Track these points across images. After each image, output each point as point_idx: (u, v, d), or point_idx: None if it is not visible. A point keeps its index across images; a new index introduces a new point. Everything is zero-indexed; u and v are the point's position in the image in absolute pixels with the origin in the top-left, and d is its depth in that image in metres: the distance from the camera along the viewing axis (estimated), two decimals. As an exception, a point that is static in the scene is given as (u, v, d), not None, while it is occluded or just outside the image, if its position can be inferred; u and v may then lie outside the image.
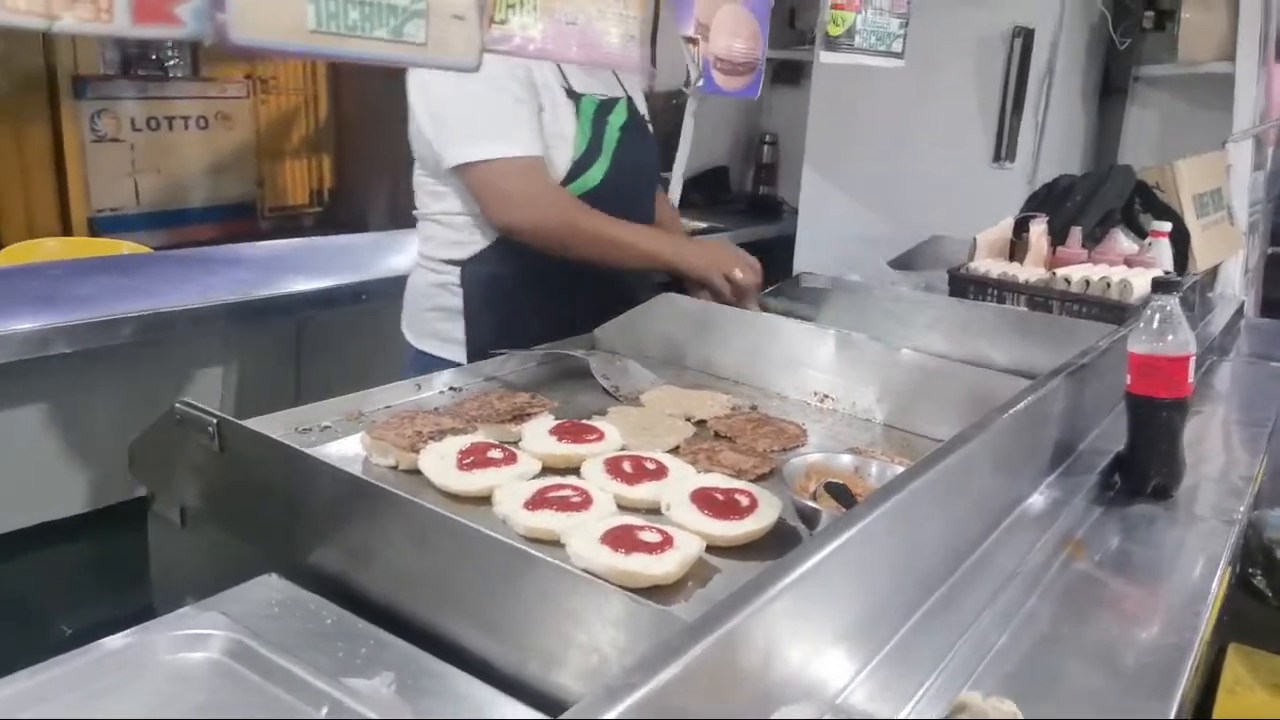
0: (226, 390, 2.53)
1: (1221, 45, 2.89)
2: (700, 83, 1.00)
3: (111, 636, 0.77)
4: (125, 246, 2.96)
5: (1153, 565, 1.22)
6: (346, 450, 1.23)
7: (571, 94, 1.75)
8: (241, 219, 7.25)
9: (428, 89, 1.73)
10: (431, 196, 1.82)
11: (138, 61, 6.85)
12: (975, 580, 1.06)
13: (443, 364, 1.71)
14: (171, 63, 7.00)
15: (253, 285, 2.21)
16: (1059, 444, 1.41)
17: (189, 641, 0.77)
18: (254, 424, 1.08)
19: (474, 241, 1.77)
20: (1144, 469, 1.40)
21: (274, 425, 1.22)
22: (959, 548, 1.08)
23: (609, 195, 1.76)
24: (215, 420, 0.97)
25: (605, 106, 1.79)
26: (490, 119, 1.65)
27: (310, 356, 2.72)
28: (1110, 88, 3.54)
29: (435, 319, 1.84)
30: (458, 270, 1.78)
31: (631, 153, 1.84)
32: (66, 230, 6.14)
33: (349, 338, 2.61)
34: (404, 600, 0.88)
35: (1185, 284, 1.90)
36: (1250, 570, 1.62)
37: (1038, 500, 1.29)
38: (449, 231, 1.80)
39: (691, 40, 0.97)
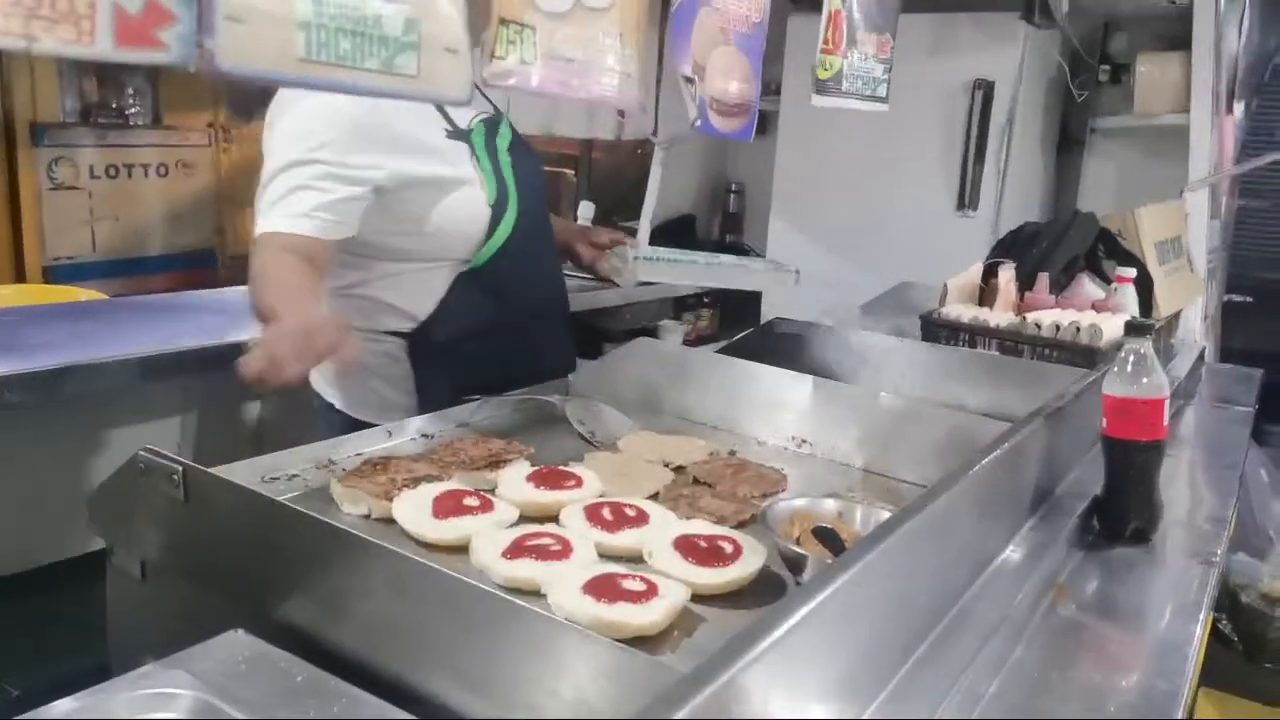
0: (185, 439, 2.46)
1: (1175, 98, 2.97)
2: (699, 123, 0.99)
3: (66, 698, 0.72)
4: (82, 294, 2.89)
5: (1136, 610, 1.21)
6: (318, 499, 1.19)
7: (457, 133, 1.61)
8: (201, 267, 7.14)
9: None
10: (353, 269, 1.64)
11: (98, 109, 6.78)
12: (963, 627, 1.04)
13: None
14: (132, 110, 6.94)
15: (215, 331, 2.16)
16: (1038, 488, 1.40)
17: (152, 702, 0.73)
18: (220, 472, 1.04)
19: (417, 308, 1.64)
20: (1122, 512, 1.40)
21: (240, 474, 1.18)
22: (946, 593, 1.07)
23: (523, 236, 1.65)
24: (181, 468, 0.93)
25: (490, 127, 1.66)
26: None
27: (274, 405, 2.67)
28: (1068, 139, 3.63)
29: (380, 387, 1.67)
30: (402, 341, 1.65)
31: (529, 177, 1.71)
32: (21, 279, 6.01)
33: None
34: (380, 655, 0.84)
35: (1157, 326, 1.93)
36: (1216, 615, 1.62)
37: (1020, 545, 1.28)
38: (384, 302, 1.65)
39: (689, 80, 0.96)
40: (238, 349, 2.11)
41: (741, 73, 1.02)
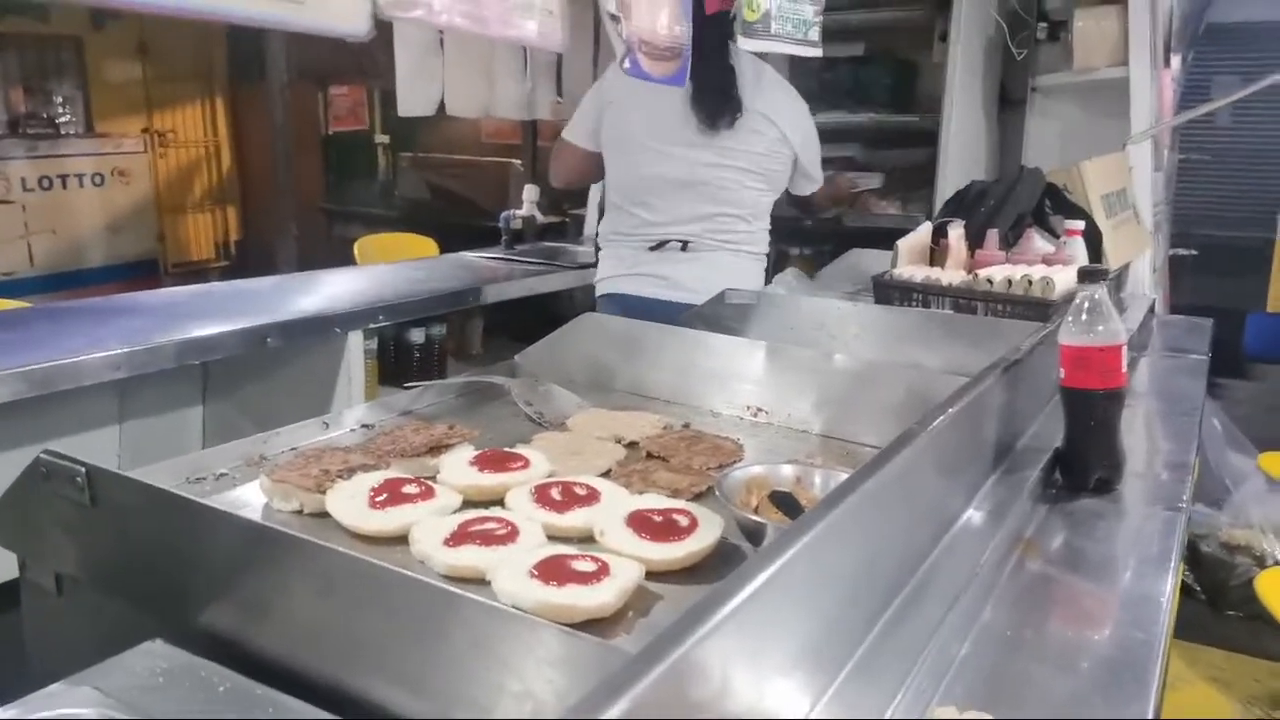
0: (125, 448, 2.37)
1: (1114, 51, 2.96)
2: (626, 65, 0.93)
3: (-43, 728, 0.66)
4: (9, 303, 2.77)
5: (1105, 561, 1.19)
6: (246, 498, 1.12)
7: None
8: (143, 276, 6.97)
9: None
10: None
11: (26, 120, 6.57)
12: (930, 588, 1.00)
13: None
14: (63, 119, 6.74)
15: (148, 333, 2.06)
16: (998, 442, 1.37)
17: (51, 725, 0.66)
18: (137, 474, 0.96)
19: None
20: (1085, 463, 1.37)
21: (163, 475, 1.10)
22: (911, 554, 1.03)
23: None
24: (84, 469, 0.86)
25: None
26: None
27: (217, 406, 2.58)
28: (1009, 100, 3.61)
29: None
30: None
31: None
32: (-48, 296, 5.81)
33: (257, 383, 2.48)
34: (311, 658, 0.78)
35: (1111, 272, 1.91)
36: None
37: (983, 502, 1.25)
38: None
39: (614, 18, 0.90)
40: (168, 352, 2.03)
41: (671, 11, 0.96)
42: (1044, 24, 3.40)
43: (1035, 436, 1.50)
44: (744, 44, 1.17)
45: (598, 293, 2.43)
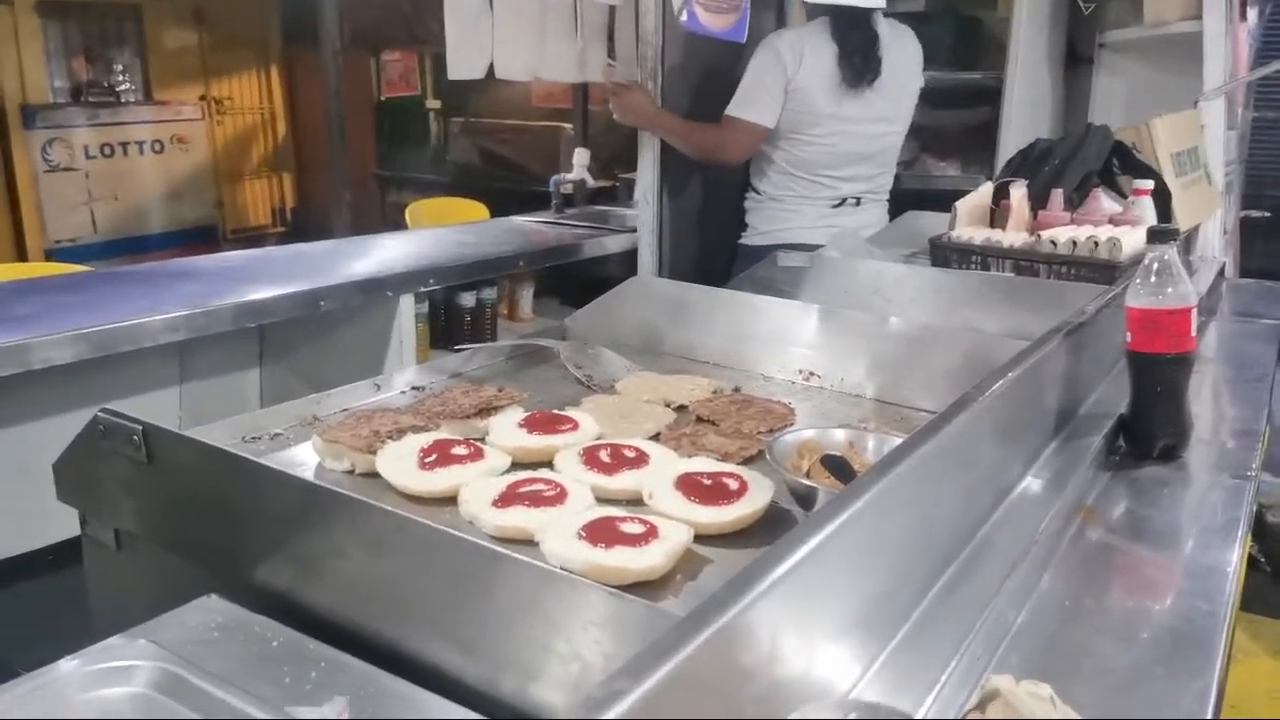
0: (185, 408, 2.42)
1: (1187, 4, 2.84)
2: (684, 18, 0.90)
3: (20, 677, 0.67)
4: (76, 269, 2.83)
5: (1170, 530, 1.15)
6: (299, 458, 1.13)
7: None
8: (203, 242, 7.11)
9: None
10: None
11: (88, 88, 6.70)
12: (986, 556, 0.98)
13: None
14: (123, 87, 6.86)
15: (206, 297, 2.10)
16: (1060, 408, 1.34)
17: (109, 676, 0.67)
18: (192, 433, 0.98)
19: None
20: (1150, 430, 1.33)
21: (219, 434, 1.12)
22: (967, 521, 1.01)
23: None
24: (140, 428, 0.87)
25: None
26: None
27: (274, 367, 2.62)
28: (1076, 56, 3.49)
29: None
30: None
31: None
32: (22, 261, 5.97)
33: (312, 345, 2.51)
34: (361, 615, 0.79)
35: (1181, 233, 1.84)
36: (1243, 537, 1.56)
37: (1044, 468, 1.21)
38: None
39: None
40: (226, 314, 2.06)
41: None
42: (1113, -24, 3.27)
43: (1099, 402, 1.45)
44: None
45: (771, 240, 2.61)
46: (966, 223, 1.99)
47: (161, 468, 0.88)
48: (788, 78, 2.46)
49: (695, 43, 2.40)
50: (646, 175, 2.72)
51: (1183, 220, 2.28)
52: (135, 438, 0.88)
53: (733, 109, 2.50)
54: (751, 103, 2.49)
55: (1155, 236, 1.30)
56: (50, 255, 6.13)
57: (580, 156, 3.42)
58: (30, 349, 1.70)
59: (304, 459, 1.13)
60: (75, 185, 6.39)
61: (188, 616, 0.78)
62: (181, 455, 0.87)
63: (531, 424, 1.14)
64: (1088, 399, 1.46)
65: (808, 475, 1.00)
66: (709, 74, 2.81)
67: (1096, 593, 0.98)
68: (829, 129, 2.54)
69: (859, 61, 2.46)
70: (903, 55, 2.63)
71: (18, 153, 6.03)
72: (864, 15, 2.44)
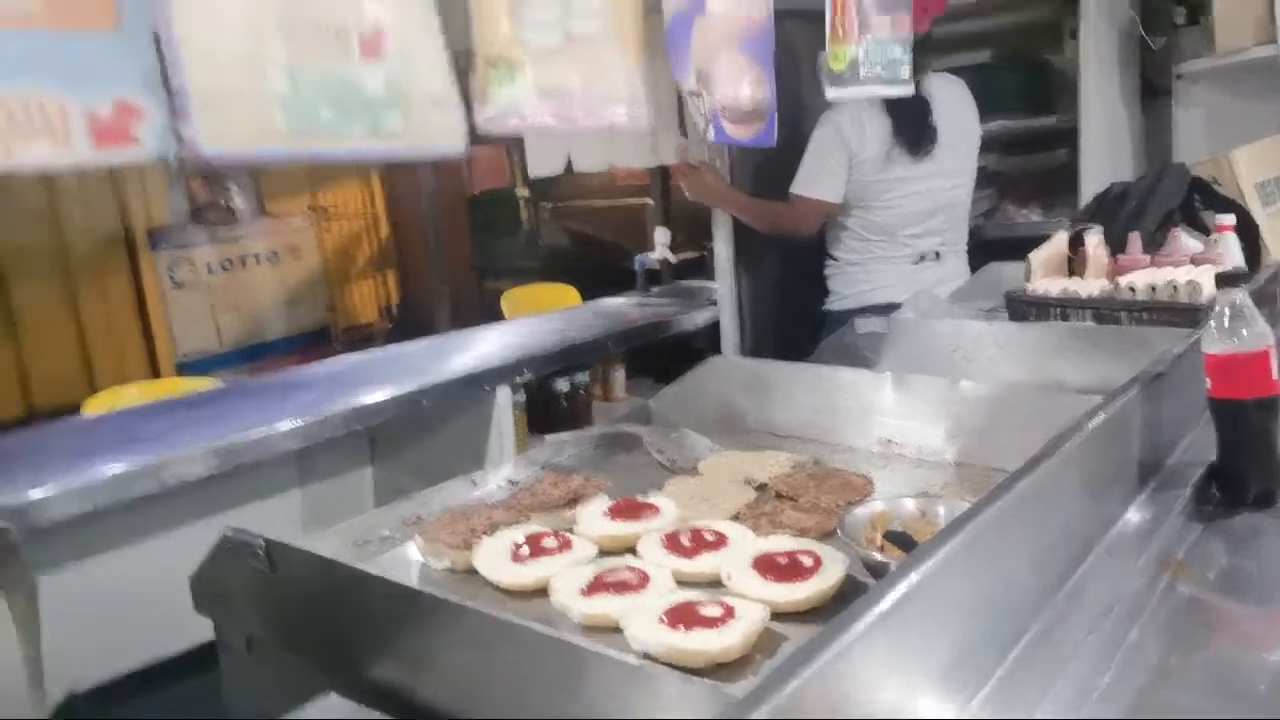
0: (306, 508, 2.57)
1: (1259, 28, 2.79)
2: (711, 135, 0.98)
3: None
4: (202, 383, 3.05)
5: (1266, 581, 1.13)
6: (406, 557, 1.22)
7: None
8: (318, 344, 7.48)
9: None
10: None
11: (206, 208, 7.19)
12: (1070, 614, 0.99)
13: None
14: (237, 204, 7.34)
15: (319, 404, 2.25)
16: (1145, 458, 1.33)
17: (243, 774, 0.76)
18: (308, 541, 1.08)
19: None
20: (1241, 477, 1.31)
21: (332, 540, 1.22)
22: (1047, 580, 1.02)
23: None
24: (263, 543, 0.97)
25: None
26: None
27: (384, 463, 2.76)
28: (1153, 89, 3.45)
29: None
30: None
31: None
32: (156, 376, 6.40)
33: (419, 441, 2.64)
34: (468, 709, 0.85)
35: (1252, 275, 1.81)
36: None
37: (1129, 522, 1.21)
38: None
39: (694, 94, 0.95)
40: (339, 420, 2.20)
41: (753, 76, 1.00)
42: (1182, 7, 3.24)
43: (1190, 449, 1.43)
44: (832, 94, 1.20)
45: (856, 303, 2.68)
46: (1042, 274, 2.00)
47: (283, 577, 0.98)
48: (850, 152, 2.52)
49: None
50: (722, 250, 2.80)
51: (1275, 250, 2.22)
52: (259, 551, 0.98)
53: (798, 187, 2.57)
54: (816, 180, 2.55)
55: (1224, 281, 1.30)
56: (180, 368, 6.57)
57: (661, 236, 3.53)
58: (164, 467, 1.86)
59: (411, 558, 1.22)
60: (200, 300, 6.84)
61: (309, 715, 0.86)
62: (299, 566, 0.97)
63: (616, 511, 1.21)
64: (1178, 446, 1.44)
65: (881, 549, 1.03)
66: (775, 149, 2.89)
67: (1188, 650, 0.97)
68: (897, 192, 2.58)
69: (914, 132, 2.52)
70: (959, 109, 2.68)
71: (147, 275, 6.50)
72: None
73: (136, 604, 1.97)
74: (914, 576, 0.77)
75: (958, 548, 0.84)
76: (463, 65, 0.68)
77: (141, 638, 2.02)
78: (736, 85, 0.98)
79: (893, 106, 2.51)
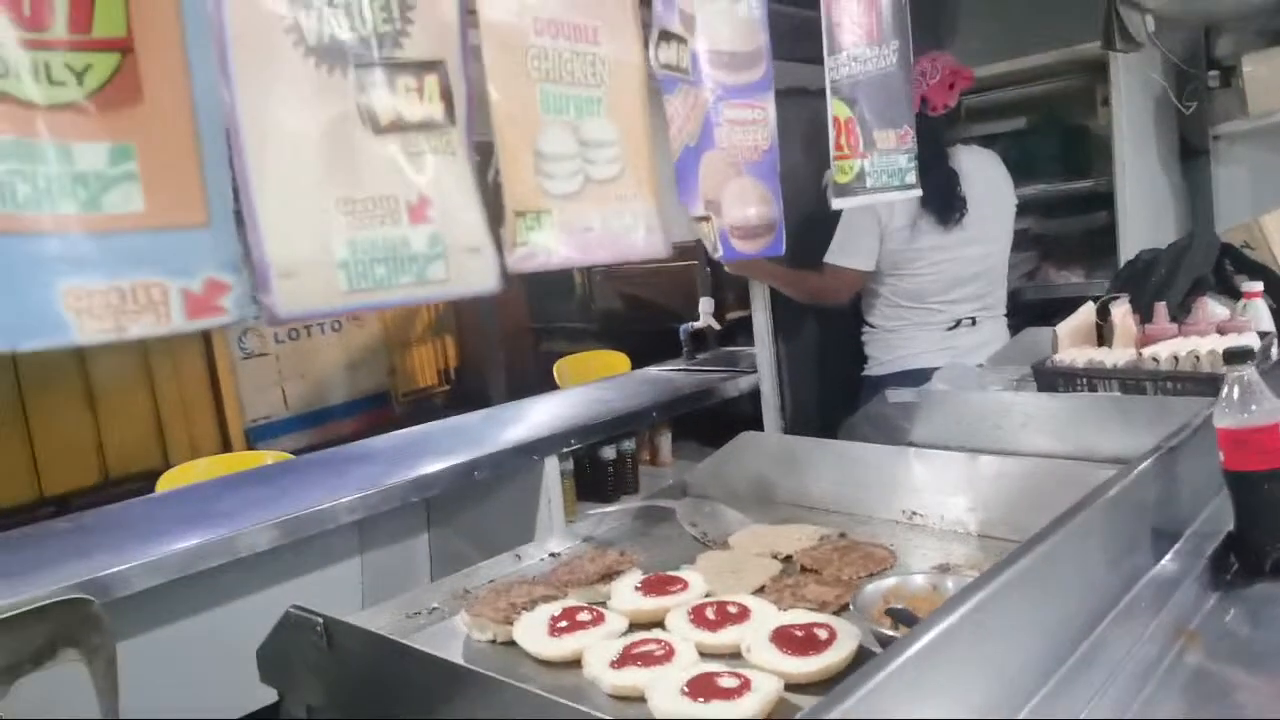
0: (366, 574, 2.68)
1: (1292, 92, 2.84)
2: (720, 254, 1.07)
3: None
4: (269, 456, 3.21)
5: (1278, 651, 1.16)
6: (454, 629, 1.31)
7: None
8: (379, 408, 7.70)
9: None
10: None
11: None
12: (1076, 684, 1.03)
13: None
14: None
15: (379, 476, 2.38)
16: (1161, 528, 1.36)
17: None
18: (362, 616, 1.18)
19: None
20: (1258, 546, 1.34)
21: (388, 612, 1.32)
22: (1056, 648, 1.06)
23: None
24: (321, 620, 1.07)
25: None
26: None
27: (440, 530, 2.87)
28: (1191, 150, 3.48)
29: None
30: None
31: None
32: (225, 442, 6.66)
33: (473, 509, 2.75)
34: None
35: (1259, 350, 1.84)
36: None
37: (1144, 591, 1.25)
38: None
39: (703, 219, 1.04)
40: (396, 492, 2.32)
41: (759, 197, 1.10)
42: (1214, 71, 3.28)
43: (1211, 519, 1.46)
44: (839, 203, 1.29)
45: (892, 369, 2.77)
46: (1069, 344, 2.05)
47: (339, 652, 1.08)
48: (882, 223, 2.60)
49: (794, 188, 2.58)
50: (760, 318, 2.89)
51: (1310, 312, 2.24)
52: (318, 628, 1.08)
53: (831, 256, 2.66)
54: (849, 250, 2.64)
55: (1232, 358, 1.35)
56: (249, 433, 6.82)
57: (705, 305, 3.64)
58: (234, 540, 1.99)
59: (458, 630, 1.31)
60: (267, 368, 7.11)
61: (363, 779, 0.95)
62: (353, 641, 1.07)
63: (647, 586, 1.29)
64: (1199, 515, 1.47)
65: (892, 624, 1.09)
66: (809, 219, 2.98)
67: (1194, 717, 1.01)
68: (931, 260, 2.65)
69: (942, 203, 2.58)
70: (991, 178, 2.75)
71: (218, 345, 6.79)
72: (940, 157, 2.58)
73: (206, 669, 2.09)
74: (908, 654, 0.84)
75: (956, 621, 0.90)
76: (494, 214, 0.79)
77: (210, 702, 2.13)
78: (744, 208, 1.07)
79: (919, 177, 2.59)
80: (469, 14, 0.78)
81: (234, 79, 0.63)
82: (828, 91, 1.22)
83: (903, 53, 1.25)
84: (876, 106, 1.24)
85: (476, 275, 0.78)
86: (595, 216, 0.88)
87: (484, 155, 0.79)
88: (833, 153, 1.25)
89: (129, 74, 0.59)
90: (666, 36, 0.95)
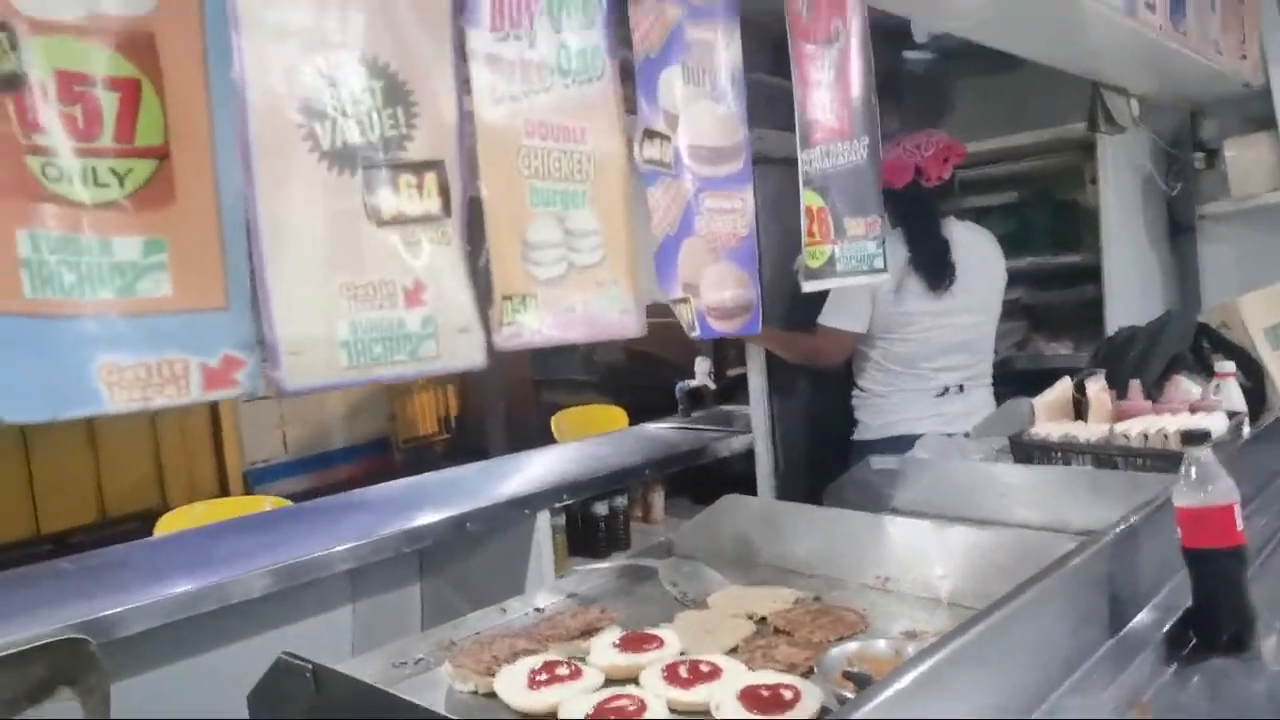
0: (357, 622, 2.72)
1: (1272, 176, 2.94)
2: (695, 332, 1.14)
3: None
4: (267, 502, 3.27)
5: (1228, 723, 1.20)
6: (438, 680, 1.37)
7: None
8: (379, 454, 7.75)
9: None
10: None
11: (280, 325, 7.50)
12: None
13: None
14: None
15: (373, 526, 2.43)
16: (1121, 601, 1.42)
17: None
18: (351, 665, 1.23)
19: None
20: (1214, 621, 1.39)
21: (375, 661, 1.37)
22: (1007, 715, 1.11)
23: None
24: (311, 666, 1.13)
25: None
26: None
27: (432, 580, 2.91)
28: (1178, 227, 3.58)
29: None
30: None
31: None
32: (224, 483, 6.70)
33: (465, 561, 2.80)
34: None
35: (1229, 429, 1.90)
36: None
37: (1100, 662, 1.30)
38: None
39: (681, 300, 1.12)
40: (390, 542, 2.38)
41: (736, 280, 1.17)
42: (1200, 153, 3.40)
43: (1172, 593, 1.51)
44: (809, 286, 1.37)
45: (881, 434, 2.83)
46: (1046, 417, 2.11)
47: (327, 699, 1.13)
48: (874, 285, 2.68)
49: (788, 253, 2.65)
50: (755, 380, 2.97)
51: (1283, 393, 2.31)
52: (307, 674, 1.14)
53: (824, 318, 2.74)
54: (841, 311, 2.72)
55: (1189, 440, 1.42)
56: (248, 475, 6.86)
57: (701, 365, 3.72)
58: (227, 587, 2.04)
59: (442, 681, 1.36)
60: (269, 412, 7.18)
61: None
62: (341, 689, 1.12)
63: (625, 643, 1.34)
64: (1161, 589, 1.52)
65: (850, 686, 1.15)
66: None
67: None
68: (921, 325, 2.73)
69: (933, 269, 2.68)
70: (982, 251, 2.85)
71: (222, 388, 6.88)
72: (933, 225, 2.70)
73: (198, 711, 2.13)
74: (856, 715, 0.89)
75: (908, 685, 0.96)
76: (484, 295, 0.87)
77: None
78: (721, 290, 1.15)
79: (911, 244, 2.69)
80: (467, 114, 0.87)
81: (255, 180, 0.71)
82: (800, 182, 1.31)
83: (872, 148, 1.34)
84: (847, 197, 1.33)
85: (465, 353, 0.85)
86: (577, 299, 0.96)
87: (475, 243, 0.87)
88: (804, 239, 1.33)
89: (164, 177, 0.68)
90: (651, 134, 1.04)
